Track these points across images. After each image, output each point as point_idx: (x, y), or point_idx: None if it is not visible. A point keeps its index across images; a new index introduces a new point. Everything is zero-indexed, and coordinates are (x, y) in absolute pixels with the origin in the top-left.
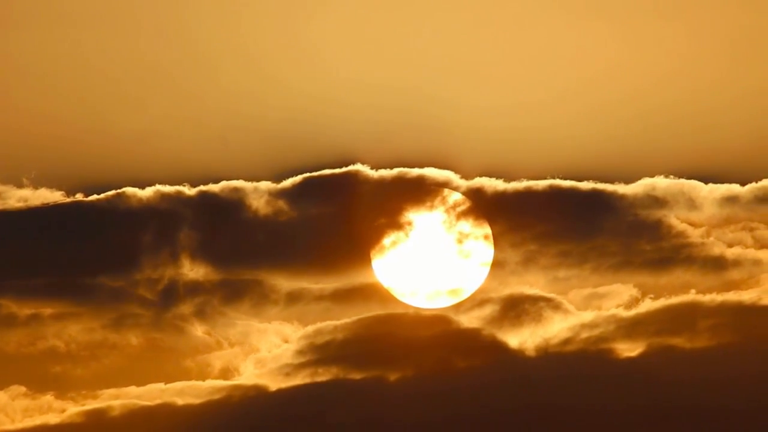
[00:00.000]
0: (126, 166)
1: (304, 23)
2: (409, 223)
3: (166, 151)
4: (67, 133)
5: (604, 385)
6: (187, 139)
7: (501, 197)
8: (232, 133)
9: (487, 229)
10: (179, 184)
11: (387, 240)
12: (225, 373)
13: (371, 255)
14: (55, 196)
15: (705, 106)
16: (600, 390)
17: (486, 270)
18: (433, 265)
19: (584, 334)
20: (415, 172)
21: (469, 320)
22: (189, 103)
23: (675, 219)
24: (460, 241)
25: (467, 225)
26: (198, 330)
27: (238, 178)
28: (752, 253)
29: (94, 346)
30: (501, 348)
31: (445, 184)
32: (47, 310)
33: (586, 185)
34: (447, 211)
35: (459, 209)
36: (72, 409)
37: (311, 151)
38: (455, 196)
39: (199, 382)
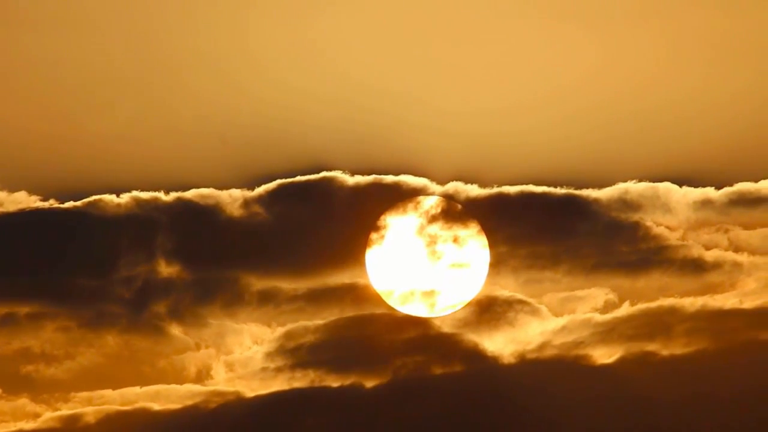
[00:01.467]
0: (99, 171)
1: (278, 28)
2: (385, 227)
3: (139, 158)
4: (36, 138)
5: (579, 392)
6: (160, 145)
7: (475, 202)
8: (203, 139)
9: (462, 233)
10: (154, 190)
11: (363, 243)
12: (200, 376)
13: (347, 257)
14: (30, 201)
15: (680, 111)
16: (576, 396)
17: (461, 273)
18: (408, 268)
19: (560, 339)
20: (390, 178)
21: (443, 322)
22: (160, 109)
23: (650, 223)
24: (433, 245)
25: (442, 229)
26: (173, 332)
27: (213, 184)
28: (728, 256)
29: (69, 346)
30: (477, 353)
31: (420, 190)
32: (23, 309)
33: (560, 190)
34: (422, 215)
35: (433, 213)
36: (47, 414)
37: (285, 157)
38: (430, 201)
39: (176, 386)
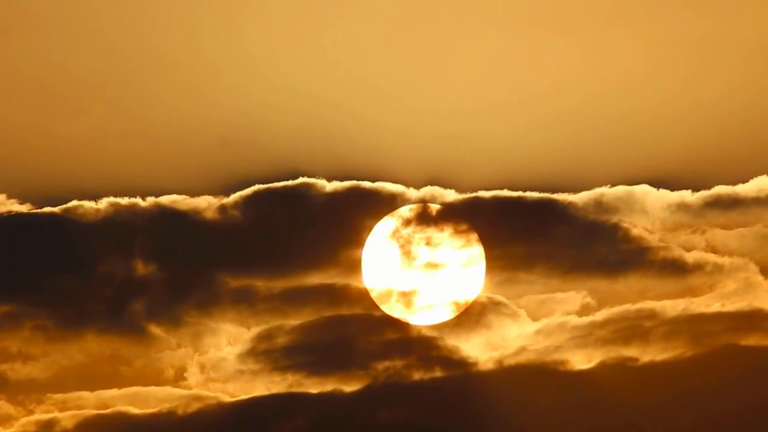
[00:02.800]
0: (74, 175)
1: (252, 32)
2: (364, 231)
3: (116, 162)
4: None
5: (557, 398)
6: (137, 150)
7: (452, 207)
8: (179, 144)
9: (440, 237)
10: (131, 195)
11: (341, 245)
12: (178, 377)
13: (325, 260)
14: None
15: (657, 114)
16: (554, 402)
17: (438, 275)
18: (387, 269)
19: (537, 343)
20: (367, 184)
21: (422, 323)
22: (134, 113)
23: (628, 225)
24: (412, 248)
25: (421, 232)
26: (151, 333)
27: (189, 189)
28: (706, 257)
29: (46, 346)
30: (455, 356)
31: (397, 195)
32: (1, 309)
33: (537, 194)
34: (398, 219)
35: (410, 217)
36: (23, 419)
37: (262, 162)
38: (407, 205)
39: (154, 388)
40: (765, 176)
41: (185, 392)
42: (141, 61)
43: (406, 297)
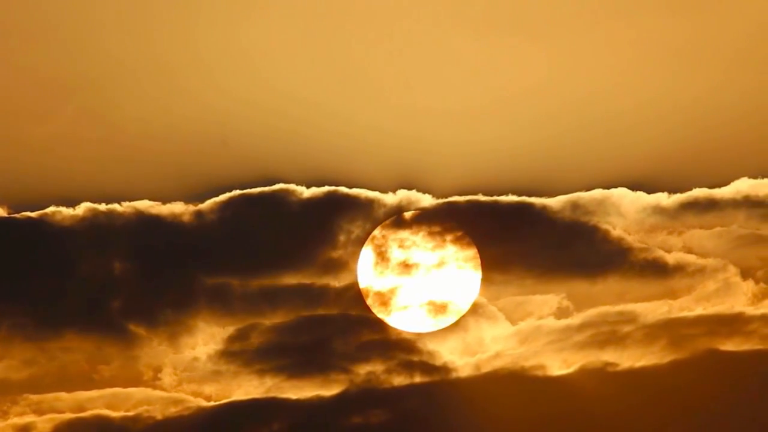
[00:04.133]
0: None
1: (222, 35)
2: (341, 234)
3: (92, 167)
4: None
5: (534, 402)
6: (111, 156)
7: (428, 212)
8: (149, 152)
9: (418, 240)
10: (108, 201)
11: (317, 249)
12: (155, 378)
13: (301, 261)
14: None
15: (634, 118)
16: (530, 407)
17: (414, 279)
18: (366, 271)
19: (515, 347)
20: (343, 189)
21: (400, 324)
22: (105, 116)
23: (605, 227)
24: (390, 251)
25: (398, 236)
26: (128, 334)
27: (162, 195)
28: (684, 259)
29: (23, 346)
30: (431, 361)
31: (373, 200)
32: None
33: (513, 197)
34: (376, 222)
35: (387, 221)
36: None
37: (238, 168)
38: (383, 210)
39: (132, 389)
40: (744, 179)
41: (162, 394)
42: (114, 65)
43: (384, 298)
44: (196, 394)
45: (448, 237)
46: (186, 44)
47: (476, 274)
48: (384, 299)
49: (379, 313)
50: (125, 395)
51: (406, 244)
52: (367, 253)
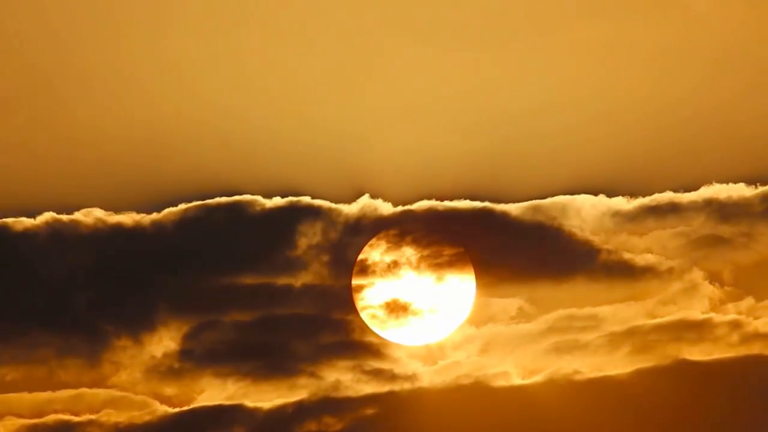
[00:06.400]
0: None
1: (180, 43)
2: (300, 245)
3: (53, 178)
4: None
5: (494, 412)
6: (64, 166)
7: (388, 219)
8: (102, 162)
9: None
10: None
11: (278, 255)
12: (117, 380)
13: (262, 262)
14: None
15: (597, 122)
16: (491, 415)
17: (377, 283)
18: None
19: (476, 353)
20: (305, 199)
21: (363, 326)
22: (51, 128)
23: (567, 232)
24: (355, 257)
25: (358, 244)
26: (89, 335)
27: (114, 205)
28: (648, 264)
29: None
30: (390, 368)
31: (333, 209)
32: None
33: (473, 203)
34: (337, 233)
35: (348, 228)
36: None
37: (195, 179)
38: (342, 219)
39: (97, 390)
40: (712, 184)
41: (122, 394)
42: (61, 74)
43: (346, 301)
44: (157, 396)
45: (409, 243)
46: (150, 49)
47: (439, 279)
48: (346, 302)
49: (341, 316)
50: (90, 396)
51: (368, 251)
52: (327, 258)
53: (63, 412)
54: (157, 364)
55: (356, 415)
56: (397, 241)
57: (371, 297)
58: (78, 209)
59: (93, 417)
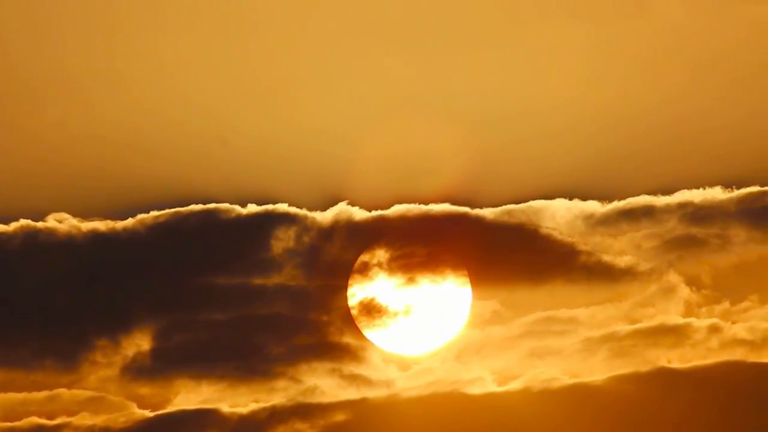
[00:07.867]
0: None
1: (156, 47)
2: (276, 251)
3: (25, 182)
4: None
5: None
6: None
7: (361, 225)
8: (75, 167)
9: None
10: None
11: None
12: (91, 381)
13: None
14: None
15: (569, 126)
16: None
17: (353, 286)
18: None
19: (451, 357)
20: (280, 207)
21: (336, 328)
22: (26, 129)
23: (542, 234)
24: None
25: (336, 247)
26: (65, 337)
27: (82, 212)
28: (624, 266)
29: None
30: (363, 373)
31: (307, 216)
32: None
33: (447, 207)
34: (311, 239)
35: (324, 234)
36: None
37: (168, 186)
38: (316, 226)
39: (76, 391)
40: (687, 190)
41: (98, 395)
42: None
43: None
44: (133, 397)
45: (384, 247)
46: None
47: (413, 282)
48: (323, 305)
49: (316, 319)
50: (69, 396)
51: (343, 255)
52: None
53: (37, 409)
54: (132, 367)
55: (324, 421)
56: (373, 245)
57: (348, 299)
58: (47, 214)
59: (67, 419)
